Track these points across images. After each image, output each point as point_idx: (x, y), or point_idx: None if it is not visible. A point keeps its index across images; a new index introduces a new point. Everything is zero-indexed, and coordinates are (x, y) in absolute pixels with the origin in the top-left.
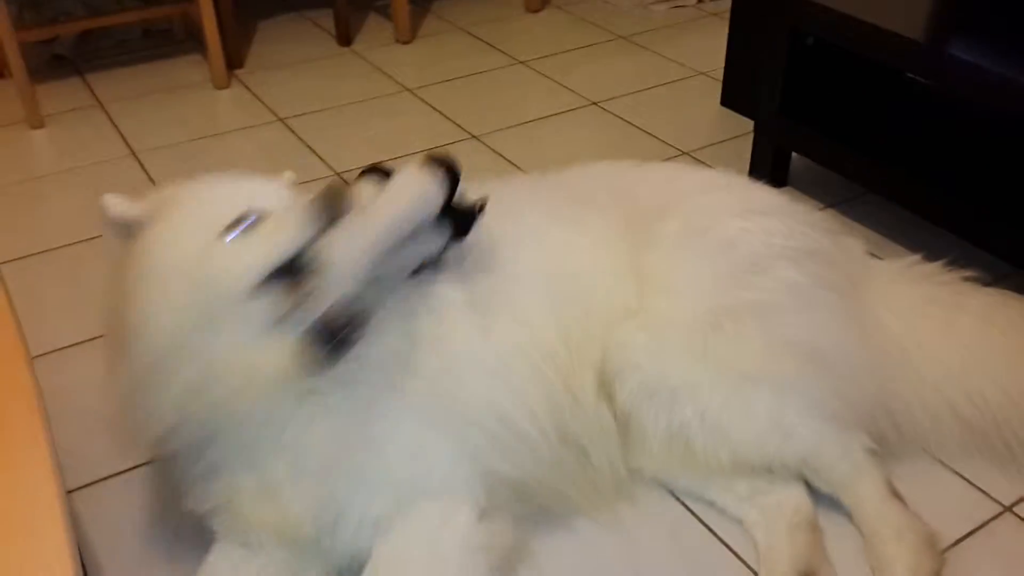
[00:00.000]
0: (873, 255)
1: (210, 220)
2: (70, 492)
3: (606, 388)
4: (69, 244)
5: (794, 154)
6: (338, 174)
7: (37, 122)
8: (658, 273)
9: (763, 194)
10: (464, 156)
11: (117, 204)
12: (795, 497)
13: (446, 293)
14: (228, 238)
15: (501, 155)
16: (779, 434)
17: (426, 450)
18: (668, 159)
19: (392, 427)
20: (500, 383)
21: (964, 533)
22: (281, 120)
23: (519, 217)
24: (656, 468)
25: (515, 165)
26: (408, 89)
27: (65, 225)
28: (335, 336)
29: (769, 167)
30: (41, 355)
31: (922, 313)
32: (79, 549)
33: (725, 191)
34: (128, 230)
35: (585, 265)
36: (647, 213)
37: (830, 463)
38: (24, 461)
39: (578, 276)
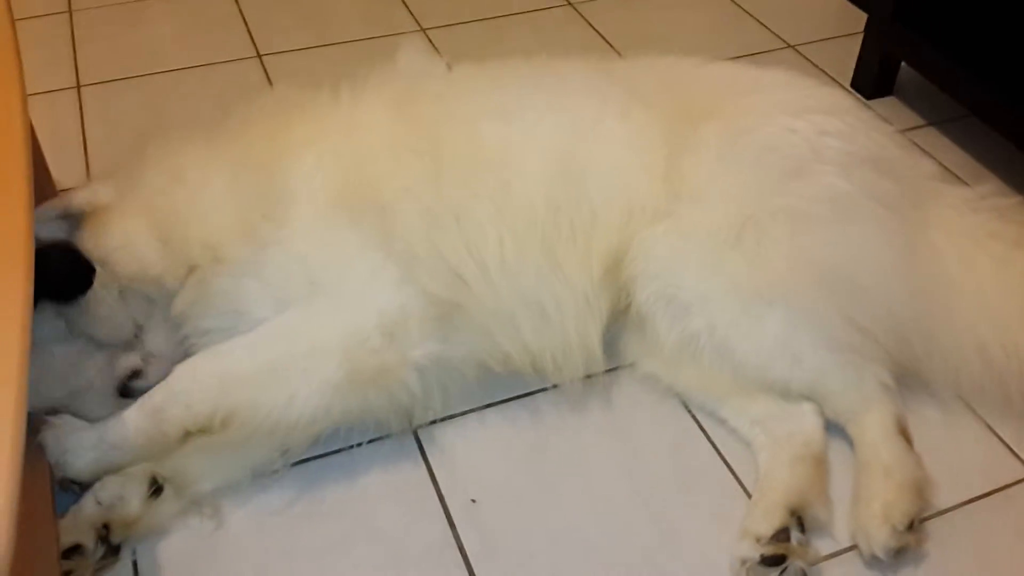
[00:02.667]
0: (961, 180)
1: None
2: None
3: (614, 278)
4: (153, 73)
5: (904, 64)
6: None
7: None
8: (690, 179)
9: (832, 95)
10: (555, 25)
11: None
12: (808, 430)
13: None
14: None
15: (595, 28)
16: (786, 360)
17: (341, 250)
18: (770, 51)
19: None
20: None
21: (981, 492)
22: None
23: (555, 98)
24: (671, 378)
25: (607, 41)
26: None
27: (154, 53)
28: None
29: (875, 73)
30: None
31: (980, 245)
32: None
33: (786, 89)
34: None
35: (606, 153)
36: (696, 114)
37: (838, 392)
38: None
39: (593, 161)
